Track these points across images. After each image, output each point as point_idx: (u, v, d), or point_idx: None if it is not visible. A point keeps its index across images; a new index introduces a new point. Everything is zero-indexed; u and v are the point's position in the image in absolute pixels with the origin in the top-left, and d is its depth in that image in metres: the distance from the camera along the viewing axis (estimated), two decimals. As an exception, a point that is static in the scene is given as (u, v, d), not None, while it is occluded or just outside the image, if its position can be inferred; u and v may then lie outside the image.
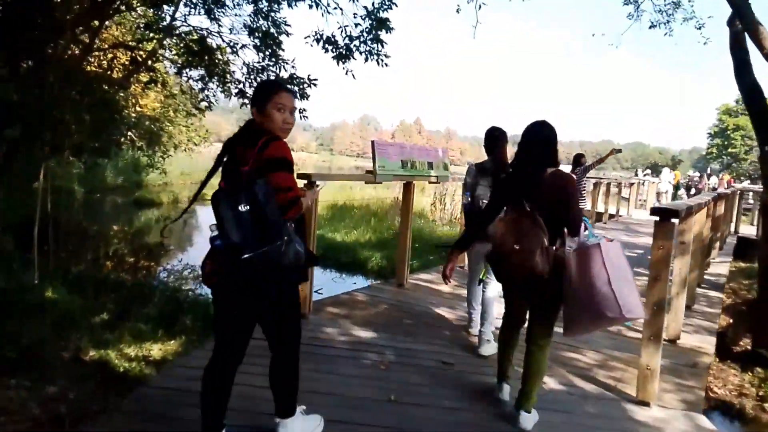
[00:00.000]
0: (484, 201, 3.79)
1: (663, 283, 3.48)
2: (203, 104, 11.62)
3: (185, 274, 10.02)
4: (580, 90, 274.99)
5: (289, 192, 2.28)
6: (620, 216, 18.61)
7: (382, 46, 9.41)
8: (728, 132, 47.59)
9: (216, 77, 10.84)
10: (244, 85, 10.77)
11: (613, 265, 2.64)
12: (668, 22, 10.59)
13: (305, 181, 3.91)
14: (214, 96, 11.52)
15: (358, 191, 23.67)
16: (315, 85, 9.90)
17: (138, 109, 16.87)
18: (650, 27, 10.95)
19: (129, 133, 17.76)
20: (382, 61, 9.46)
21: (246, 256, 2.11)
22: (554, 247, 2.81)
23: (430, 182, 6.37)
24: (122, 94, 15.28)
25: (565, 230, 2.88)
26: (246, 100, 10.67)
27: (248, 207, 2.13)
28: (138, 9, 11.22)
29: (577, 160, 9.11)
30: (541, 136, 2.94)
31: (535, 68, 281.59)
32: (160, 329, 5.74)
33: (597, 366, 4.36)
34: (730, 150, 46.62)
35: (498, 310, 3.86)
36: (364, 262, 10.05)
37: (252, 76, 10.65)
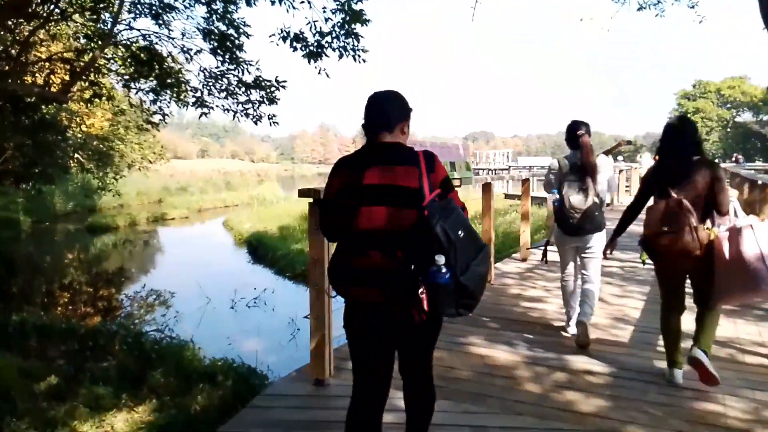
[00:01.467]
0: (572, 197, 3.76)
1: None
2: (156, 117, 10.40)
3: (149, 307, 8.84)
4: (548, 76, 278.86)
5: (466, 211, 1.99)
6: (610, 204, 18.19)
7: (358, 41, 8.45)
8: (688, 115, 48.43)
9: (169, 87, 9.69)
10: (202, 93, 9.63)
11: (765, 243, 2.86)
12: (659, 2, 10.00)
13: (310, 200, 2.94)
14: (168, 107, 10.33)
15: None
16: (284, 87, 8.88)
17: (84, 128, 15.50)
18: (638, 9, 10.37)
19: (76, 155, 16.38)
20: (359, 56, 8.50)
21: (467, 284, 1.83)
22: (705, 227, 3.03)
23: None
24: (65, 114, 14.01)
25: (715, 212, 3.10)
26: (206, 110, 9.57)
27: (464, 232, 1.86)
28: (76, 19, 9.97)
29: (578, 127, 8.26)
30: (684, 129, 3.21)
31: (505, 57, 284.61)
32: (124, 392, 4.66)
33: None
34: (691, 133, 47.12)
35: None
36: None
37: (210, 83, 9.54)
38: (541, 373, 3.47)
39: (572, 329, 4.14)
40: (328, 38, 8.53)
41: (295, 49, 8.62)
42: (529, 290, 5.74)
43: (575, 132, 3.93)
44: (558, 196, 3.78)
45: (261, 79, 8.88)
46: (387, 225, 1.90)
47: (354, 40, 8.45)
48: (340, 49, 8.53)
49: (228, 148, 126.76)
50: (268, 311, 7.89)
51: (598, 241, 3.88)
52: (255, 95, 9.19)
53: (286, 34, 8.54)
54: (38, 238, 15.89)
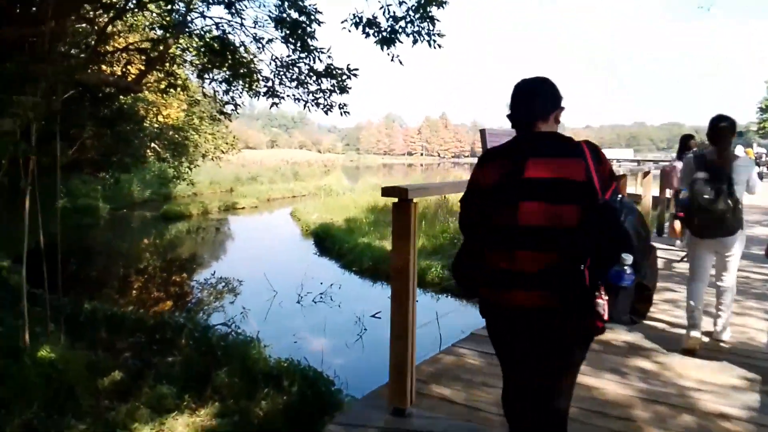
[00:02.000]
0: (705, 196, 3.39)
1: None
2: (229, 108, 10.33)
3: (217, 297, 8.80)
4: (613, 69, 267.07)
5: None
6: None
7: (434, 25, 7.98)
8: (781, 107, 44.81)
9: (241, 77, 9.58)
10: (273, 83, 9.46)
11: None
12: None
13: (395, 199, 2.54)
14: (240, 98, 10.24)
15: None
16: (356, 75, 8.54)
17: (161, 119, 15.85)
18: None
19: (153, 144, 16.81)
20: (434, 41, 8.04)
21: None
22: None
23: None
24: (142, 105, 14.33)
25: None
26: (277, 100, 9.40)
27: (644, 230, 1.71)
28: (151, 8, 10.03)
29: (685, 144, 7.47)
30: None
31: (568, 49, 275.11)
32: (187, 392, 4.48)
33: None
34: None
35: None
36: (421, 273, 8.65)
37: (282, 72, 9.35)
38: (664, 415, 2.89)
39: (696, 333, 3.73)
40: (402, 23, 8.13)
41: (368, 35, 8.26)
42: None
43: (718, 125, 3.59)
44: (687, 194, 3.47)
45: (332, 67, 8.57)
46: (547, 221, 1.72)
47: (429, 24, 8.00)
48: (415, 34, 8.10)
49: (296, 139, 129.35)
50: (334, 307, 7.62)
51: (735, 242, 3.61)
52: (326, 84, 8.92)
53: (358, 20, 8.19)
54: (115, 225, 16.47)
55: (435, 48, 8.06)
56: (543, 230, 1.72)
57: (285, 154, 61.62)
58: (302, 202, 21.50)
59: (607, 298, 1.66)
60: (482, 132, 3.04)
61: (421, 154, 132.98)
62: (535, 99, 1.87)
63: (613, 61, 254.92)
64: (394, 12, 8.12)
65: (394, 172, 58.75)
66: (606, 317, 1.67)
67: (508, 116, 1.91)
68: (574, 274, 1.68)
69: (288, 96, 9.22)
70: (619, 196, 1.75)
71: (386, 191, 2.51)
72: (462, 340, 3.79)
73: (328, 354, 5.81)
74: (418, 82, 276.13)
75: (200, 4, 9.30)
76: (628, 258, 1.60)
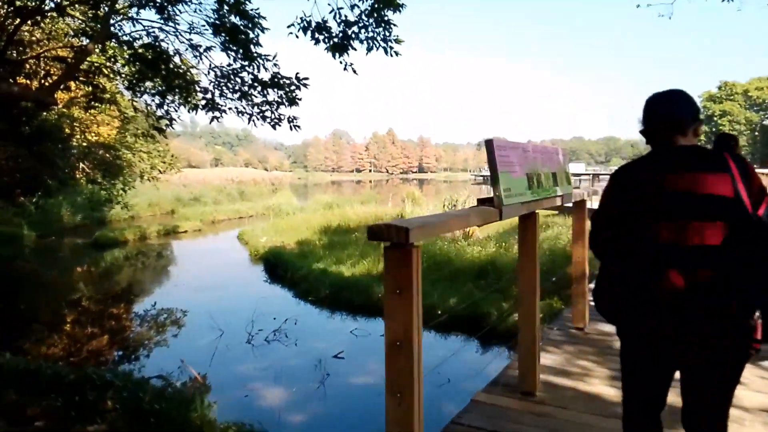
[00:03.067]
0: None
1: None
2: (164, 123, 9.32)
3: (153, 340, 7.71)
4: (547, 86, 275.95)
5: None
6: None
7: (390, 30, 7.32)
8: (715, 119, 46.96)
9: (176, 89, 8.65)
10: (213, 95, 8.57)
11: None
12: (725, -18, 8.73)
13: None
14: (176, 112, 9.26)
15: (349, 208, 21.54)
16: (306, 86, 7.76)
17: (90, 136, 14.55)
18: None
19: (82, 165, 15.44)
20: (391, 48, 7.37)
21: None
22: None
23: (552, 208, 3.51)
24: (68, 120, 13.04)
25: None
26: (217, 113, 8.50)
27: None
28: (73, 13, 8.95)
29: (728, 144, 5.65)
30: None
31: (501, 67, 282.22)
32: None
33: None
34: (718, 136, 45.54)
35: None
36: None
37: (222, 83, 8.48)
38: None
39: None
40: (355, 28, 7.44)
41: (318, 41, 7.52)
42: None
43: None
44: None
45: (279, 76, 7.77)
46: (696, 240, 1.65)
47: (385, 29, 7.33)
48: (369, 40, 7.41)
49: (241, 157, 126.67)
50: (290, 346, 6.72)
51: None
52: (273, 95, 8.11)
53: (306, 24, 7.44)
54: (41, 254, 14.89)
55: (392, 56, 7.39)
56: (694, 249, 1.65)
57: (230, 173, 59.75)
58: (250, 223, 20.37)
59: (762, 319, 1.66)
60: (489, 143, 2.33)
61: (370, 171, 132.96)
62: (674, 111, 1.80)
63: (553, 75, 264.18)
64: (345, 16, 7.43)
65: (343, 189, 57.99)
66: (761, 338, 1.66)
67: (642, 131, 1.85)
68: (722, 295, 1.63)
69: (230, 109, 8.35)
70: None
71: (373, 234, 1.69)
72: (465, 412, 2.98)
73: (286, 409, 4.95)
74: (364, 97, 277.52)
75: (129, 8, 8.38)
76: None
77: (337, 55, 7.52)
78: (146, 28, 8.29)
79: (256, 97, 8.38)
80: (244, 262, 12.83)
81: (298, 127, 7.96)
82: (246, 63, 8.08)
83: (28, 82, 9.33)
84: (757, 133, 47.03)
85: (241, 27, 7.88)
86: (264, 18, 8.08)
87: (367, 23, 7.44)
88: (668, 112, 1.80)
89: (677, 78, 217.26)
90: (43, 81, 9.26)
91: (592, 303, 4.69)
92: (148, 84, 9.07)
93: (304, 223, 16.27)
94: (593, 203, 3.73)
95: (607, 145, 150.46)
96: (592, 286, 5.35)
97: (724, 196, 1.64)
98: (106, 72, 9.49)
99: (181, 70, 8.51)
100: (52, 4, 8.39)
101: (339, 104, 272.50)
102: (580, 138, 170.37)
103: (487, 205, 2.31)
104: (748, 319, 1.64)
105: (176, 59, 8.55)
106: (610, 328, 4.44)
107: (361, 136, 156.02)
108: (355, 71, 7.65)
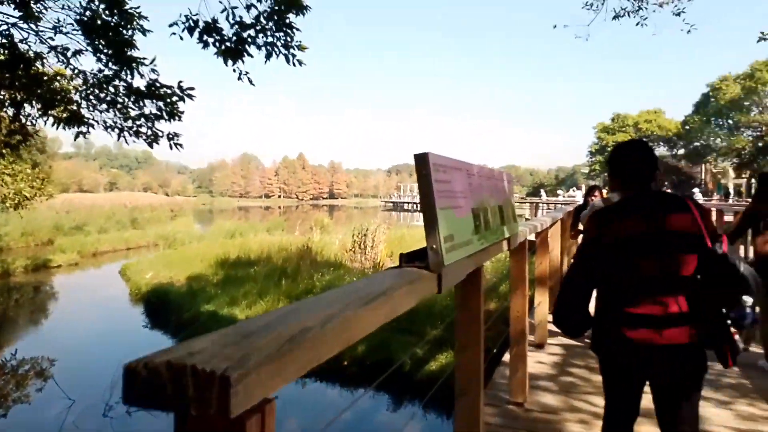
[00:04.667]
0: None
1: None
2: (16, 139, 7.67)
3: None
4: (461, 112, 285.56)
5: None
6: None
7: (292, 35, 6.31)
8: (608, 149, 49.70)
9: (38, 98, 7.14)
10: (79, 106, 7.14)
11: None
12: (639, 9, 8.58)
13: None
14: (34, 125, 7.66)
15: (252, 236, 19.97)
16: (191, 97, 6.54)
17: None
18: (614, 17, 8.92)
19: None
20: (293, 56, 6.35)
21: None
22: None
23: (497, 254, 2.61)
24: None
25: None
26: (84, 128, 7.05)
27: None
28: None
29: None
30: None
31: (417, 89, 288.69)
32: None
33: None
34: (611, 167, 48.28)
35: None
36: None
37: (90, 92, 7.08)
38: None
39: None
40: (252, 31, 6.37)
41: (206, 44, 6.36)
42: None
43: None
44: None
45: (158, 84, 6.49)
46: (678, 270, 1.91)
47: (287, 34, 6.32)
48: (269, 45, 6.36)
49: (140, 180, 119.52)
50: (160, 417, 5.35)
51: None
52: (150, 107, 6.79)
53: (193, 23, 6.28)
54: None
55: (294, 65, 6.37)
56: (679, 277, 1.91)
57: (125, 198, 55.71)
58: (139, 254, 18.28)
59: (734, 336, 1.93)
60: (421, 158, 1.31)
61: (279, 196, 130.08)
62: (647, 164, 2.04)
63: (459, 106, 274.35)
64: (240, 17, 6.34)
65: (251, 215, 55.65)
66: (730, 353, 1.93)
67: (620, 177, 2.07)
68: (702, 316, 1.91)
69: (97, 122, 6.91)
70: (720, 244, 1.92)
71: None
72: None
73: None
74: (274, 120, 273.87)
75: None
76: (749, 300, 1.91)
77: (230, 61, 6.40)
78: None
79: (132, 109, 7.04)
80: (122, 304, 11.03)
81: (180, 145, 6.68)
82: (118, 68, 6.75)
83: None
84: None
85: (113, 24, 6.60)
86: (146, 18, 6.84)
87: (266, 26, 6.40)
88: (645, 164, 2.04)
89: (575, 109, 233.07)
90: None
91: (533, 370, 3.88)
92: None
93: (199, 254, 14.62)
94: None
95: (509, 173, 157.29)
96: (532, 351, 4.59)
97: (693, 233, 1.91)
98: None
99: (42, 75, 7.01)
100: None
101: (248, 127, 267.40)
102: (483, 166, 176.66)
103: (415, 266, 1.31)
104: (731, 335, 1.89)
105: (38, 64, 7.05)
106: (556, 402, 3.57)
107: (271, 160, 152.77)
108: (251, 81, 6.55)
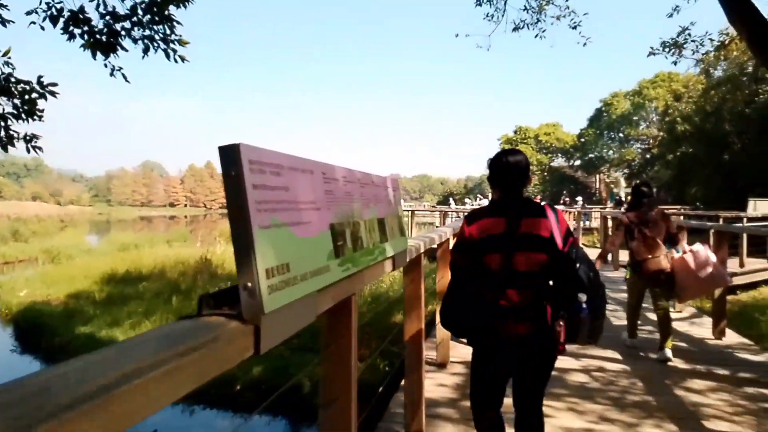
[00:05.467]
0: None
1: None
2: None
3: None
4: (370, 124, 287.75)
5: None
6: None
7: (172, 29, 5.73)
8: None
9: None
10: None
11: (713, 257, 4.61)
12: (538, 21, 8.73)
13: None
14: None
15: (149, 250, 18.62)
16: (54, 94, 5.75)
17: None
18: (514, 29, 9.03)
19: None
20: (174, 52, 5.77)
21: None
22: (668, 253, 4.62)
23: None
24: None
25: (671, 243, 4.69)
26: None
27: (594, 274, 2.23)
28: None
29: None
30: (653, 192, 4.89)
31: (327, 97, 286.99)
32: None
33: None
34: (515, 176, 50.45)
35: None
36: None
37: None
38: None
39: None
40: (127, 23, 5.72)
41: (72, 36, 5.64)
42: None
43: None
44: None
45: (13, 79, 5.66)
46: (528, 267, 2.17)
47: (166, 27, 5.73)
48: (146, 39, 5.73)
49: (29, 190, 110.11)
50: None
51: None
52: (6, 105, 5.91)
53: (56, 12, 5.54)
54: None
55: (176, 61, 5.79)
56: (524, 274, 2.18)
57: (11, 208, 51.02)
58: (16, 270, 16.49)
59: (563, 326, 2.22)
60: (231, 150, 0.91)
61: (186, 206, 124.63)
62: (523, 171, 2.26)
63: (368, 116, 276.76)
64: (113, 7, 5.68)
65: (154, 225, 52.75)
66: (563, 341, 2.22)
67: (498, 182, 2.28)
68: (544, 308, 2.22)
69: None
70: (575, 249, 2.21)
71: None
72: None
73: None
74: (179, 126, 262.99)
75: None
76: (583, 296, 2.16)
77: (101, 55, 5.71)
78: None
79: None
80: (-13, 327, 9.74)
81: (39, 148, 5.86)
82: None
83: None
84: (546, 174, 53.05)
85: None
86: (6, 7, 6.00)
87: (142, 19, 5.77)
88: (520, 173, 2.25)
89: (484, 121, 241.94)
90: None
91: (433, 395, 3.62)
92: None
93: (85, 270, 13.34)
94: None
95: (421, 183, 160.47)
96: (433, 372, 4.35)
97: (544, 236, 2.18)
98: None
99: None
100: None
101: (150, 134, 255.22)
102: (396, 175, 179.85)
103: (222, 313, 0.90)
104: (555, 327, 2.21)
105: None
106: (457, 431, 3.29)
107: (176, 168, 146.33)
108: (126, 78, 5.88)
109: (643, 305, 5.09)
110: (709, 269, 4.51)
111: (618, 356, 4.75)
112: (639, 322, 5.12)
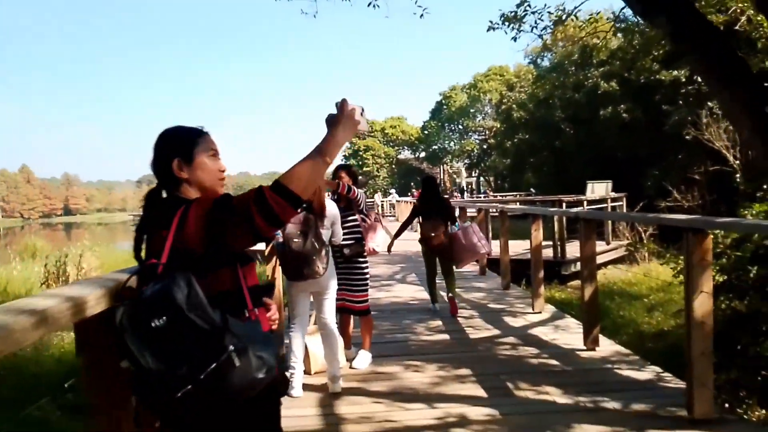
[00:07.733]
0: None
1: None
2: None
3: None
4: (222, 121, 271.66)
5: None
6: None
7: None
8: (360, 153, 51.55)
9: None
10: None
11: (476, 232, 6.00)
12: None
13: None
14: None
15: None
16: None
17: None
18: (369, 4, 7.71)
19: None
20: None
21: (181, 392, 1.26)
22: (447, 230, 5.93)
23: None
24: None
25: (449, 222, 6.01)
26: None
27: (164, 318, 1.29)
28: None
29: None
30: (435, 182, 6.64)
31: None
32: None
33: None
34: (365, 169, 50.43)
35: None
36: None
37: None
38: None
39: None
40: None
41: None
42: None
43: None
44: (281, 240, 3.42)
45: None
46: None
47: None
48: None
49: None
50: None
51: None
52: None
53: None
54: None
55: None
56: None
57: None
58: None
59: None
60: None
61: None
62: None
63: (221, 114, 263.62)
64: None
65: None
66: None
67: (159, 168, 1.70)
68: None
69: None
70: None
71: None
72: None
73: None
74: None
75: None
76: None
77: None
78: None
79: None
80: None
81: None
82: None
83: None
84: (394, 166, 53.59)
85: None
86: None
87: None
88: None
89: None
90: None
91: None
92: None
93: None
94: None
95: (271, 179, 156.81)
96: None
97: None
98: None
99: None
100: None
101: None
102: (246, 173, 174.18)
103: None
104: None
105: None
106: None
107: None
108: None
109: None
110: (474, 240, 5.85)
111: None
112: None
